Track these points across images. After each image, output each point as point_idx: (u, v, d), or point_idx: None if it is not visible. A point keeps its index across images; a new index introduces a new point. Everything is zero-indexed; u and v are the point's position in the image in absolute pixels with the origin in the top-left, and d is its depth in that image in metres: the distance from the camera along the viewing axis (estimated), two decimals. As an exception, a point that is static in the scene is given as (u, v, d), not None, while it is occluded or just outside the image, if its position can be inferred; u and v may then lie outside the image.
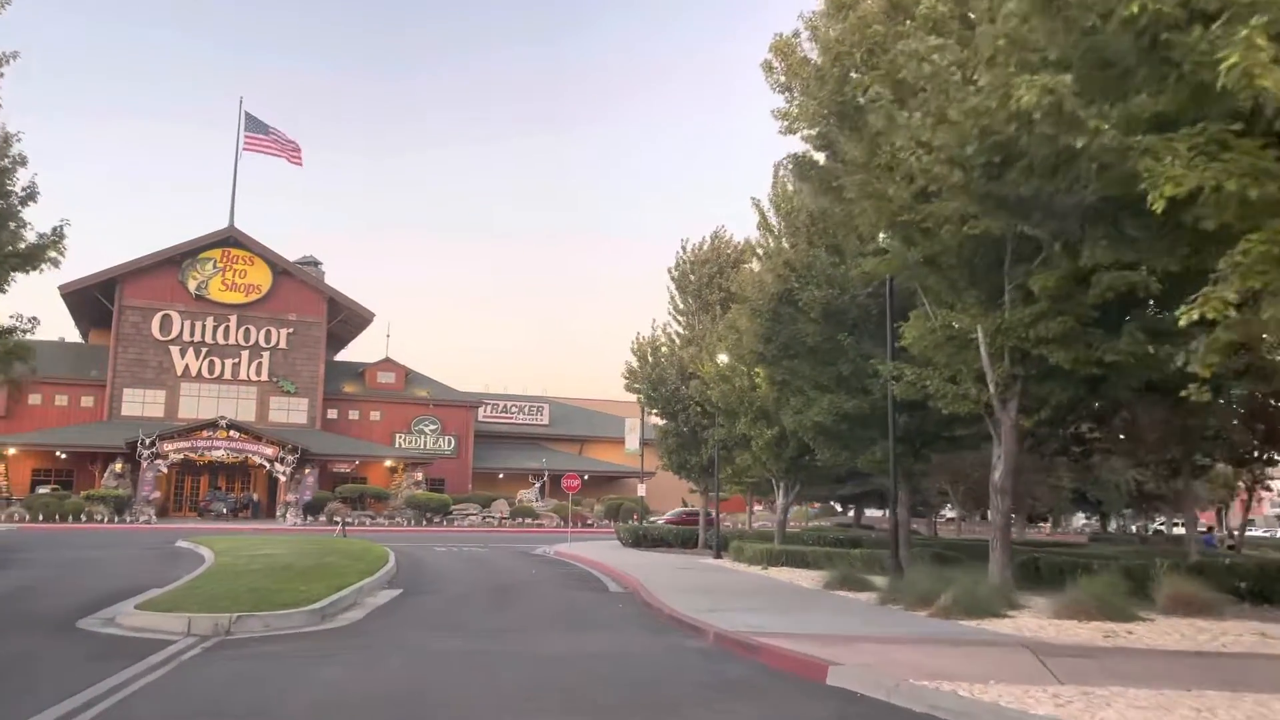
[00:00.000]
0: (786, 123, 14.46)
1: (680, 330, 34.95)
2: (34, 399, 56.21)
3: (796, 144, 15.37)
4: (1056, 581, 15.76)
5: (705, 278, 34.05)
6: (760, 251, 25.60)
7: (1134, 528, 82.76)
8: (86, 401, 56.90)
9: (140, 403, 56.47)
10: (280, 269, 59.65)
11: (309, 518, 49.42)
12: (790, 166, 14.95)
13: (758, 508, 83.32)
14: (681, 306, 35.06)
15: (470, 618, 13.89)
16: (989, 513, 16.94)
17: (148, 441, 50.00)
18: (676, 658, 10.43)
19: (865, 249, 17.82)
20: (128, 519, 46.72)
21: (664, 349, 34.24)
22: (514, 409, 72.15)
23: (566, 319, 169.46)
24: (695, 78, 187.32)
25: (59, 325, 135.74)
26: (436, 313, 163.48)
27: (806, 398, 19.64)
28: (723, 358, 26.89)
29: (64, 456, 54.44)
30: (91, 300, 57.15)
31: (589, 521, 54.73)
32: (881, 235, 14.55)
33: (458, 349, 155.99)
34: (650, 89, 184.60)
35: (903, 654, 9.87)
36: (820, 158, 14.55)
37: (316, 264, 66.90)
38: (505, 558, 29.63)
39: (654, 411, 34.09)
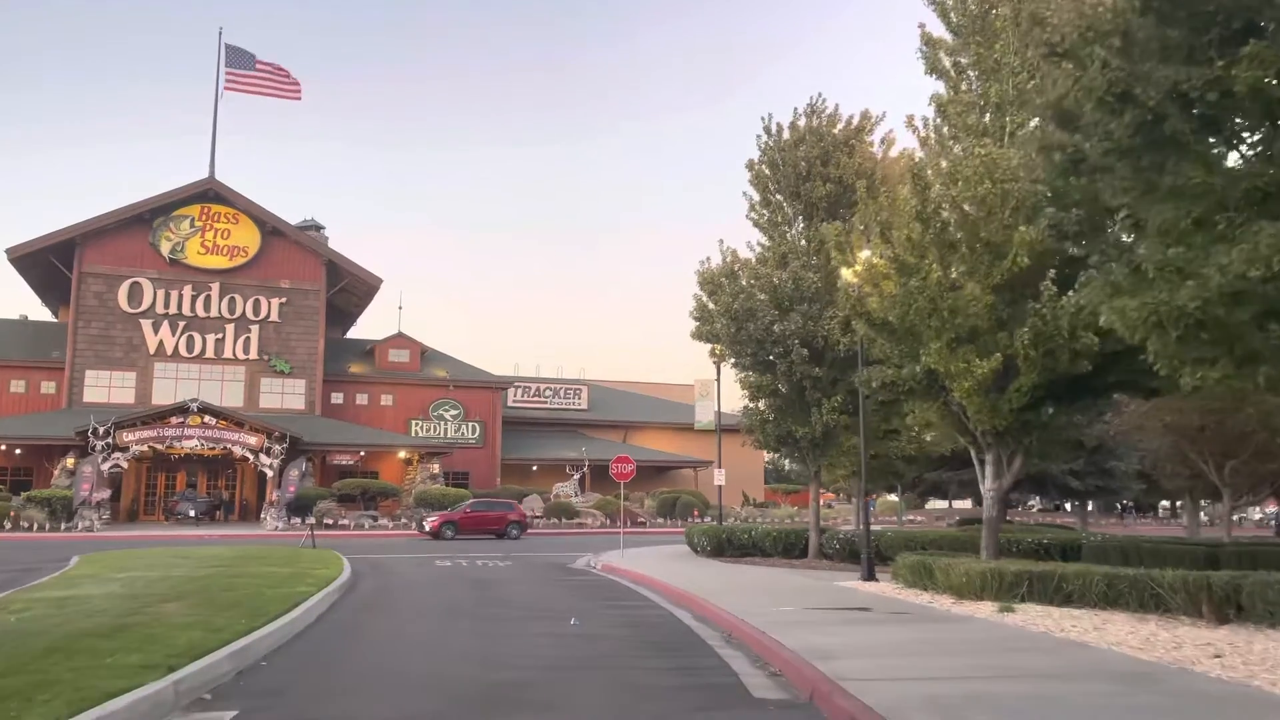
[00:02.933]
0: None
1: (765, 243, 23.77)
2: (-15, 385, 46.01)
3: None
4: None
5: (804, 167, 22.75)
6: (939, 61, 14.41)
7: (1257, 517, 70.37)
8: (48, 387, 46.56)
9: (106, 387, 46.00)
10: (270, 227, 48.97)
11: (293, 519, 38.64)
12: None
13: (823, 502, 71.72)
14: (767, 216, 23.81)
15: None
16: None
17: (100, 431, 39.47)
18: None
19: None
20: (63, 525, 36.13)
21: (745, 276, 22.92)
22: (548, 392, 61.13)
23: (602, 302, 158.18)
24: (740, 64, 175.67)
25: (22, 301, 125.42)
26: (455, 295, 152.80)
27: (1187, 248, 8.29)
28: (864, 254, 15.61)
29: (19, 452, 44.14)
30: (46, 267, 46.81)
31: (640, 519, 43.60)
32: None
33: (481, 331, 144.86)
34: (703, 70, 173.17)
35: None
36: None
37: (319, 228, 56.23)
38: (530, 581, 18.56)
39: (740, 363, 22.80)
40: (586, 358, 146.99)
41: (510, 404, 58.25)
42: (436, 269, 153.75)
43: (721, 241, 24.04)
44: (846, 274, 16.75)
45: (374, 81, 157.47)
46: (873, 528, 27.10)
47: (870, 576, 16.76)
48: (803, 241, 23.04)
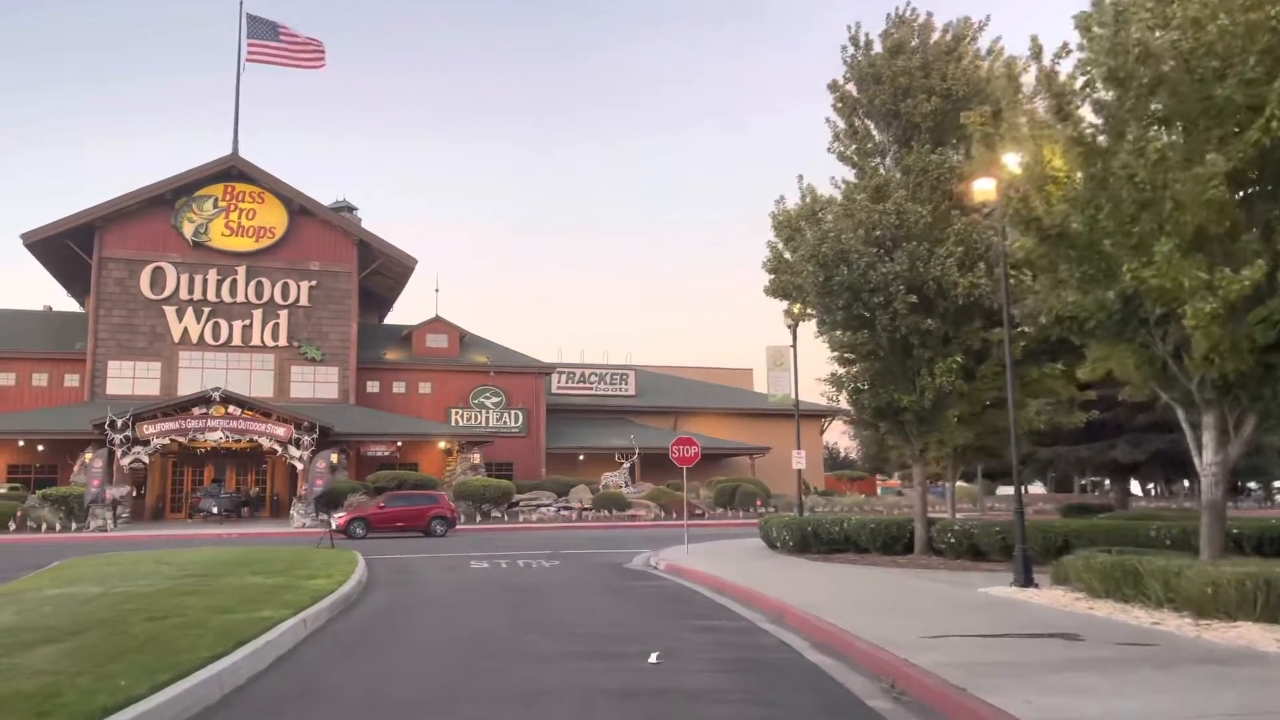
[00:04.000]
0: None
1: (851, 179, 19.50)
2: (5, 379, 43.12)
3: None
4: None
5: (905, 81, 18.43)
6: None
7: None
8: (71, 380, 43.55)
9: (129, 378, 42.90)
10: (297, 206, 45.54)
11: (322, 515, 35.12)
12: None
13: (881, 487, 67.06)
14: (855, 146, 19.52)
15: None
16: None
17: (118, 423, 36.26)
18: None
19: None
20: (74, 525, 32.94)
21: (831, 216, 18.65)
22: (593, 377, 57.18)
23: (649, 287, 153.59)
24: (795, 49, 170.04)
25: (48, 292, 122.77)
26: (493, 282, 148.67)
27: None
28: (1011, 158, 11.39)
29: (41, 448, 41.20)
30: (66, 254, 43.78)
31: (697, 510, 39.56)
32: None
33: (521, 318, 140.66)
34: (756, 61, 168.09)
35: None
36: None
37: (351, 210, 52.91)
38: (583, 589, 14.58)
39: (828, 319, 18.58)
40: (633, 342, 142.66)
41: (554, 391, 54.52)
42: (472, 257, 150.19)
43: (800, 178, 19.82)
44: (983, 189, 12.52)
45: (397, 71, 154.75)
46: (961, 517, 22.86)
47: (1028, 581, 12.53)
48: (899, 174, 18.75)
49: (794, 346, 22.24)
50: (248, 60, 44.83)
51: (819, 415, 60.57)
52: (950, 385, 17.25)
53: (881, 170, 19.05)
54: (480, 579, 16.49)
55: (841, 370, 19.47)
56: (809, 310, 20.28)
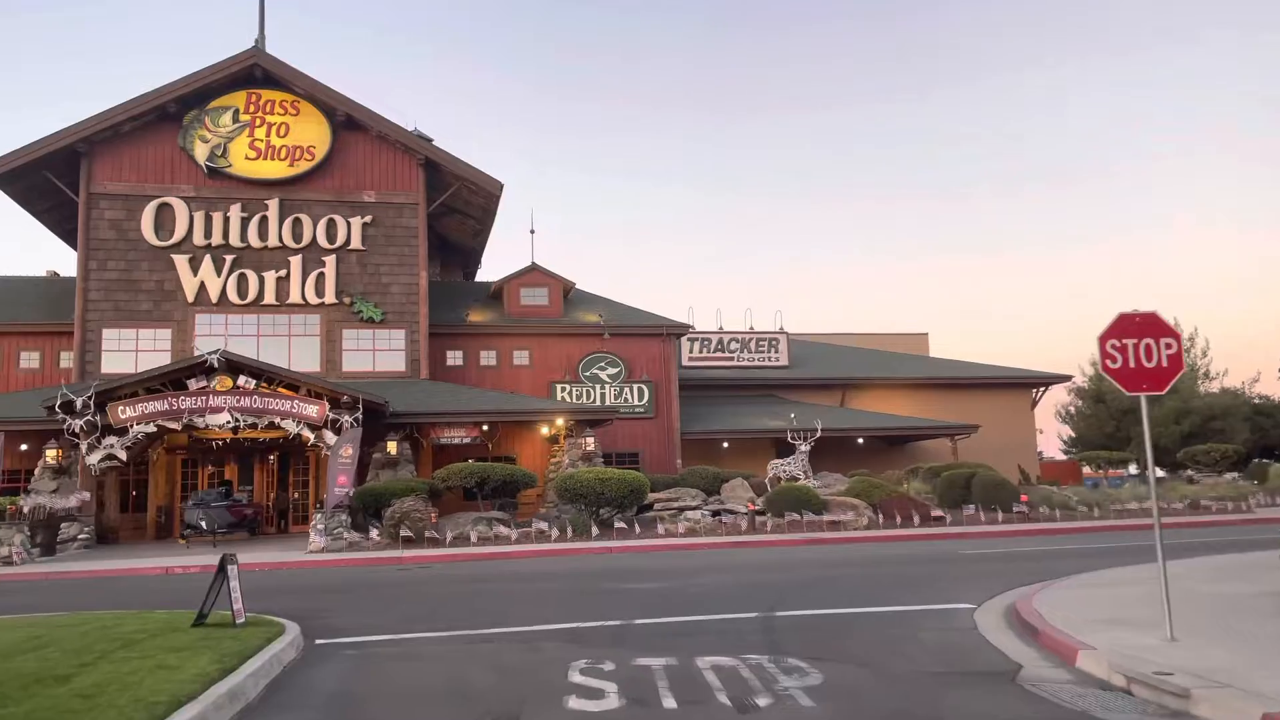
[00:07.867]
0: None
1: None
2: (-13, 358, 32.19)
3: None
4: None
5: None
6: None
7: None
8: (68, 358, 32.33)
9: (130, 351, 31.30)
10: (342, 116, 33.29)
11: (357, 531, 22.32)
12: None
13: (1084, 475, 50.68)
14: None
15: None
16: None
17: (79, 404, 24.38)
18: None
19: None
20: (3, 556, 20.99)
21: None
22: (734, 345, 43.40)
23: (798, 243, 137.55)
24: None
25: (52, 254, 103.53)
26: (600, 232, 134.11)
27: None
28: None
29: (25, 447, 29.91)
30: (48, 191, 32.54)
31: (937, 515, 24.96)
32: None
33: (637, 276, 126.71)
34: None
35: None
36: None
37: (426, 140, 40.49)
38: None
39: None
40: (781, 302, 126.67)
41: (685, 362, 41.21)
42: (574, 206, 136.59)
43: None
44: None
45: None
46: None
47: None
48: None
49: None
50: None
51: (1030, 384, 45.33)
52: None
53: None
54: None
55: None
56: None
